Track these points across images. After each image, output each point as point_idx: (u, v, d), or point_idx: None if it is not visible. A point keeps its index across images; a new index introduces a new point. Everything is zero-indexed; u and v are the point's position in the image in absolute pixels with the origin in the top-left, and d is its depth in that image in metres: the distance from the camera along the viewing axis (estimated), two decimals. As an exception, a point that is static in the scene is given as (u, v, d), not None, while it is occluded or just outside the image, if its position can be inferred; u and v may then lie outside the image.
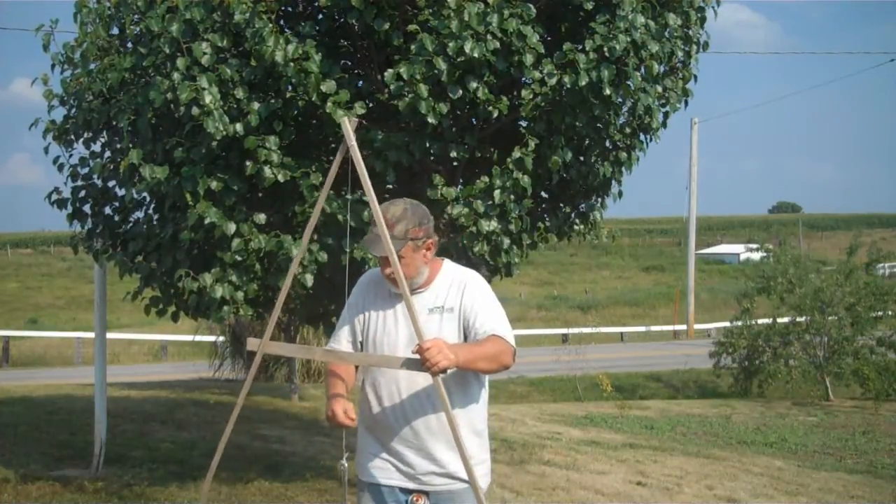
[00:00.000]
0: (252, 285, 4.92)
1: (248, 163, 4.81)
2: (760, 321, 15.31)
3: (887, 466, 8.80)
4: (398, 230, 2.87)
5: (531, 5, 4.75)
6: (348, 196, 4.59)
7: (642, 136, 5.81)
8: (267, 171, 4.76)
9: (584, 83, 4.71)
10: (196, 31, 4.78)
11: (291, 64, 4.66)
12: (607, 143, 5.64)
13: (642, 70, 4.96)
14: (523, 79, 4.94)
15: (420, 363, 2.67)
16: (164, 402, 10.02)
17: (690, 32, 5.57)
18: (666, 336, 27.60)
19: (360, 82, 5.42)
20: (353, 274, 3.21)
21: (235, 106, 4.75)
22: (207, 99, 4.62)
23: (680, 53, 5.49)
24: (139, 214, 5.59)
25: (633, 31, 4.79)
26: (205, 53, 4.71)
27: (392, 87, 4.73)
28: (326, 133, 5.19)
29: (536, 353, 19.46)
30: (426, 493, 2.94)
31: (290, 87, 4.83)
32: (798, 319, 14.59)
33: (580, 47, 4.83)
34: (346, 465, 3.06)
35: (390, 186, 5.21)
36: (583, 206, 6.19)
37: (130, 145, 5.03)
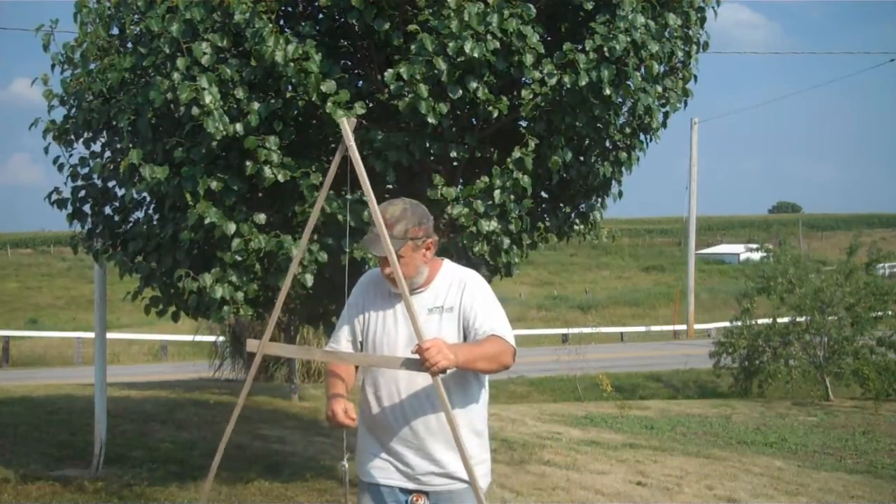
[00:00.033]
0: (252, 285, 4.92)
1: (248, 163, 4.81)
2: (760, 321, 15.31)
3: (887, 466, 8.80)
4: (398, 230, 2.87)
5: (531, 5, 4.75)
6: (348, 196, 4.59)
7: (642, 136, 5.81)
8: (267, 171, 4.76)
9: (584, 83, 4.71)
10: (196, 31, 4.78)
11: (291, 64, 4.66)
12: (607, 143, 5.64)
13: (642, 70, 4.96)
14: (523, 79, 4.94)
15: (420, 363, 2.67)
16: (164, 402, 10.02)
17: (690, 32, 5.57)
18: (666, 336, 27.60)
19: (360, 82, 5.42)
20: (353, 274, 3.21)
21: (235, 106, 4.75)
22: (207, 99, 4.62)
23: (680, 53, 5.49)
24: (139, 214, 5.58)
25: (633, 31, 4.79)
26: (205, 53, 4.71)
27: (392, 87, 4.72)
28: (326, 133, 5.19)
29: (536, 353, 19.46)
30: (426, 494, 2.94)
31: (290, 87, 4.83)
32: (798, 319, 14.59)
33: (580, 47, 4.83)
34: (347, 465, 3.06)
35: (390, 186, 5.21)
36: (583, 206, 6.19)
37: (130, 145, 5.03)
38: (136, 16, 5.16)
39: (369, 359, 2.95)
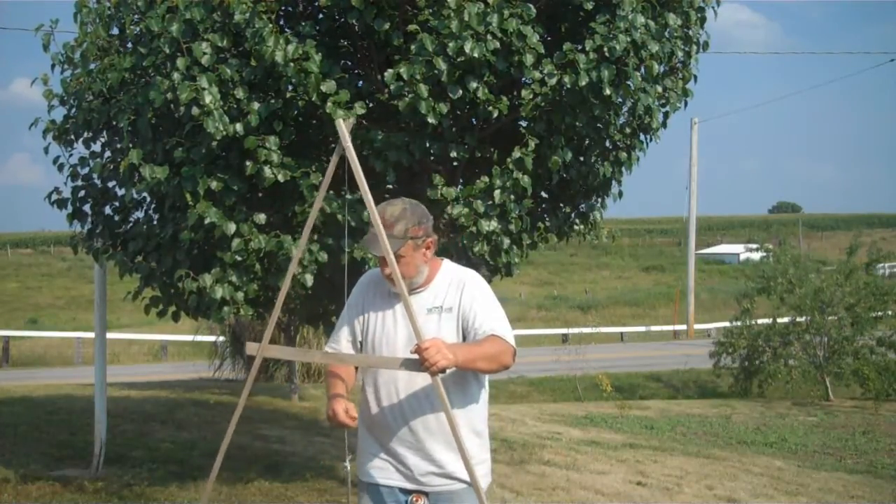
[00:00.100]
0: (252, 285, 4.92)
1: (248, 163, 4.81)
2: (760, 321, 15.31)
3: (887, 466, 8.80)
4: (398, 229, 2.87)
5: (531, 5, 4.75)
6: (347, 196, 4.59)
7: (642, 136, 5.81)
8: (267, 171, 4.76)
9: (584, 83, 4.71)
10: (196, 31, 4.78)
11: (291, 64, 4.66)
12: (607, 143, 5.64)
13: (642, 70, 4.96)
14: (523, 79, 4.94)
15: (419, 363, 2.67)
16: (164, 402, 10.02)
17: (690, 32, 5.57)
18: (666, 336, 27.60)
19: (360, 82, 5.42)
20: (353, 274, 3.21)
21: (235, 106, 4.75)
22: (207, 99, 4.62)
23: (680, 53, 5.48)
24: (139, 214, 5.59)
25: (633, 31, 4.79)
26: (205, 53, 4.71)
27: (392, 87, 4.72)
28: (326, 133, 5.19)
29: (536, 353, 19.46)
30: (425, 494, 2.94)
31: (290, 87, 4.83)
32: (798, 319, 14.59)
33: (580, 47, 4.83)
34: (349, 466, 3.06)
35: (390, 186, 5.21)
36: (583, 206, 6.18)
37: (130, 145, 5.03)
38: (136, 16, 5.16)
39: (368, 360, 2.95)
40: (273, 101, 4.86)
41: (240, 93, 4.73)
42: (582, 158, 5.55)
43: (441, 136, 5.02)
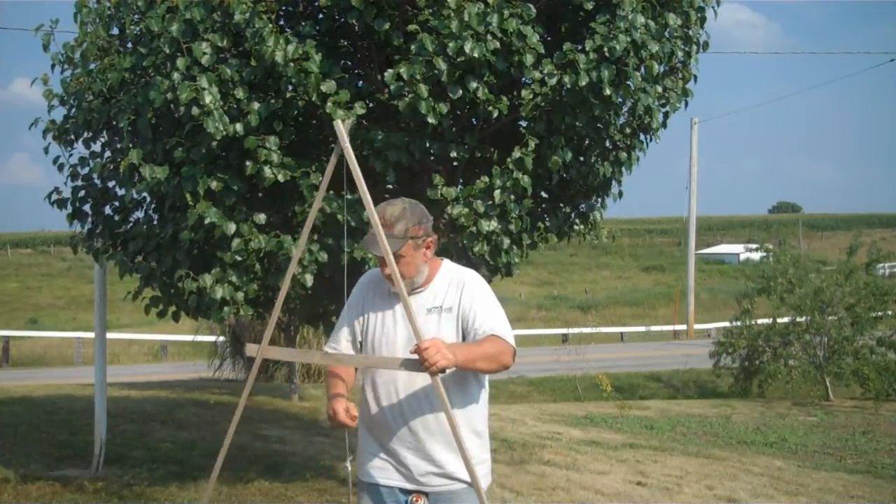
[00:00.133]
0: (252, 285, 4.92)
1: (248, 163, 4.81)
2: (760, 321, 15.31)
3: (887, 466, 8.80)
4: (398, 229, 2.87)
5: (531, 5, 4.75)
6: (347, 196, 4.59)
7: (642, 136, 5.81)
8: (267, 171, 4.76)
9: (584, 83, 4.71)
10: (196, 31, 4.78)
11: (291, 64, 4.66)
12: (607, 143, 5.64)
13: (642, 70, 4.96)
14: (523, 79, 4.94)
15: (419, 363, 2.67)
16: (164, 402, 10.02)
17: (690, 32, 5.57)
18: (666, 336, 27.60)
19: (360, 82, 5.42)
20: (353, 274, 3.21)
21: (235, 106, 4.75)
22: (207, 99, 4.62)
23: (680, 53, 5.48)
24: (139, 214, 5.59)
25: (633, 31, 4.79)
26: (205, 53, 4.71)
27: (392, 87, 4.72)
28: (326, 133, 5.19)
29: (536, 353, 19.46)
30: (425, 494, 2.94)
31: (290, 87, 4.83)
32: (798, 319, 14.60)
33: (580, 47, 4.83)
34: (350, 466, 3.06)
35: (390, 186, 5.21)
36: (583, 206, 6.19)
37: (130, 145, 5.03)
38: (136, 16, 5.16)
39: (368, 360, 2.95)
40: (273, 101, 4.86)
41: (240, 93, 4.73)
42: (582, 158, 5.55)
43: (441, 136, 5.02)
